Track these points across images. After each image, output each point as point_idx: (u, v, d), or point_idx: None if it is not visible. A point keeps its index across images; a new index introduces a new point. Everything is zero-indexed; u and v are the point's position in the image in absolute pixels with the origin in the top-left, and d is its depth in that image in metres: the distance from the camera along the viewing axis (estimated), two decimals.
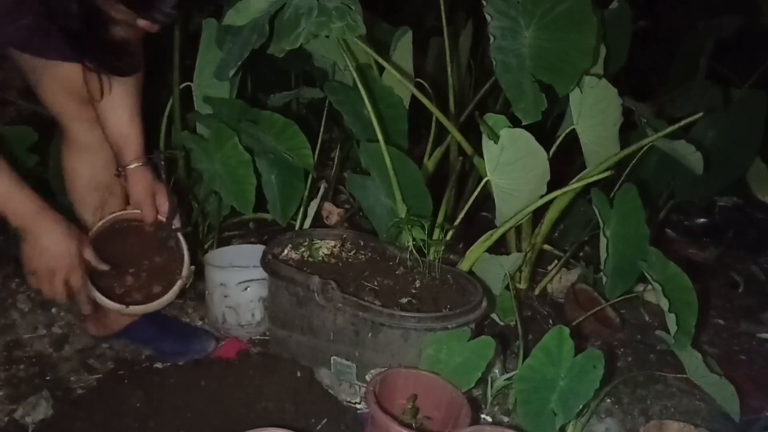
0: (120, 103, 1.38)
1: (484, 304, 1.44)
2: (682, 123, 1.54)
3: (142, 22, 1.11)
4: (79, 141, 1.44)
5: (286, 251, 1.62)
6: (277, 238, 1.65)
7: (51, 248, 1.23)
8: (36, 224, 1.22)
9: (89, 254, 1.29)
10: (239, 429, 1.21)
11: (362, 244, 1.66)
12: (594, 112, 1.59)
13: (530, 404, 1.32)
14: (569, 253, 1.98)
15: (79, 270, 1.27)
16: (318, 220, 1.96)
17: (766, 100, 2.01)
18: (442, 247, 1.58)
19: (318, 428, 1.34)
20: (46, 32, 1.17)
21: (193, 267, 1.44)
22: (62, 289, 1.27)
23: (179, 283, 1.41)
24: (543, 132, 1.55)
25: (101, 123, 1.40)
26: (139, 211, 1.42)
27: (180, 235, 1.44)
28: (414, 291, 1.51)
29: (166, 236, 1.45)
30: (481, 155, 1.53)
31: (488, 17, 1.46)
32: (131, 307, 1.37)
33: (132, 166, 1.40)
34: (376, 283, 1.53)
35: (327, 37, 1.50)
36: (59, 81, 1.37)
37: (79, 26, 1.12)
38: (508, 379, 1.46)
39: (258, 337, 1.65)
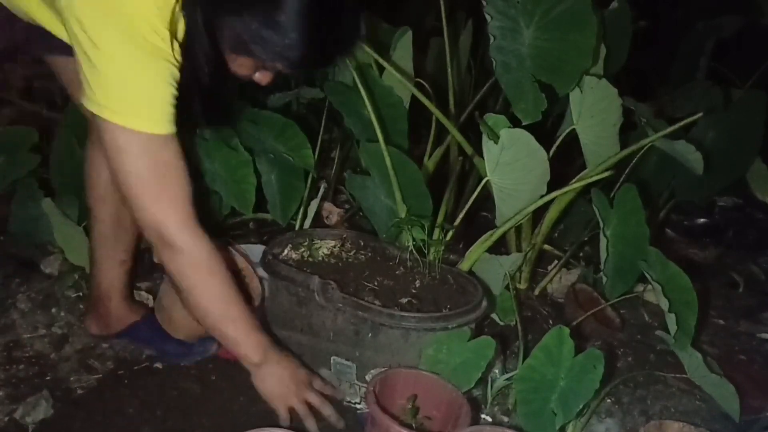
0: None
1: (484, 304, 1.44)
2: (682, 123, 1.54)
3: (257, 76, 1.13)
4: None
5: (286, 251, 1.62)
6: (277, 238, 1.65)
7: (284, 375, 1.29)
8: (271, 355, 1.28)
9: (318, 384, 1.35)
10: (239, 429, 1.21)
11: (362, 244, 1.66)
12: (594, 112, 1.59)
13: (530, 404, 1.32)
14: (569, 253, 1.98)
15: (310, 387, 1.32)
16: (318, 220, 1.96)
17: (766, 100, 2.01)
18: (442, 247, 1.58)
19: (318, 428, 1.34)
20: None
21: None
22: (317, 398, 1.31)
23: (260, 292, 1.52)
24: (543, 132, 1.55)
25: None
26: None
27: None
28: (414, 291, 1.51)
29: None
30: (481, 155, 1.53)
31: (488, 17, 1.46)
32: None
33: None
34: (376, 283, 1.53)
35: None
36: None
37: (206, 83, 1.12)
38: (508, 379, 1.46)
39: None
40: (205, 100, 1.19)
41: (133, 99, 1.06)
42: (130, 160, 1.09)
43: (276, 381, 1.28)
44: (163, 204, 1.13)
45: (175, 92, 1.10)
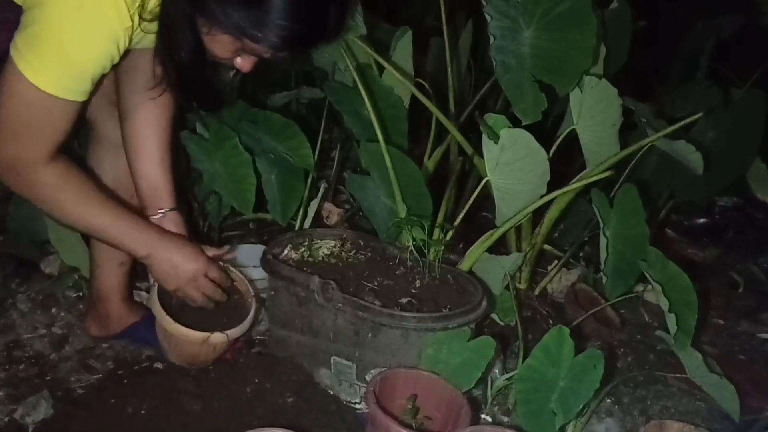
0: (149, 153, 1.39)
1: (484, 304, 1.44)
2: (682, 123, 1.54)
3: (238, 61, 1.13)
4: (107, 139, 1.44)
5: (286, 251, 1.62)
6: (277, 238, 1.65)
7: (180, 262, 1.30)
8: (161, 246, 1.28)
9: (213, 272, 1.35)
10: (239, 429, 1.21)
11: (362, 244, 1.66)
12: (594, 112, 1.59)
13: (530, 404, 1.32)
14: (569, 253, 1.98)
15: (202, 275, 1.33)
16: (318, 220, 1.96)
17: (766, 100, 2.01)
18: (442, 247, 1.58)
19: (318, 428, 1.34)
20: None
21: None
22: (211, 287, 1.35)
23: (253, 307, 1.47)
24: (543, 132, 1.55)
25: (130, 169, 1.40)
26: None
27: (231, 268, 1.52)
28: (414, 291, 1.51)
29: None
30: (481, 155, 1.53)
31: (488, 17, 1.46)
32: (215, 333, 1.39)
33: (165, 211, 1.42)
34: (376, 283, 1.53)
35: None
36: None
37: (186, 64, 1.12)
38: (508, 379, 1.46)
39: (258, 337, 1.65)
40: (187, 81, 1.18)
41: (52, 61, 1.05)
42: (13, 102, 1.08)
43: (167, 268, 1.29)
44: (23, 142, 1.10)
45: (104, 71, 1.10)
